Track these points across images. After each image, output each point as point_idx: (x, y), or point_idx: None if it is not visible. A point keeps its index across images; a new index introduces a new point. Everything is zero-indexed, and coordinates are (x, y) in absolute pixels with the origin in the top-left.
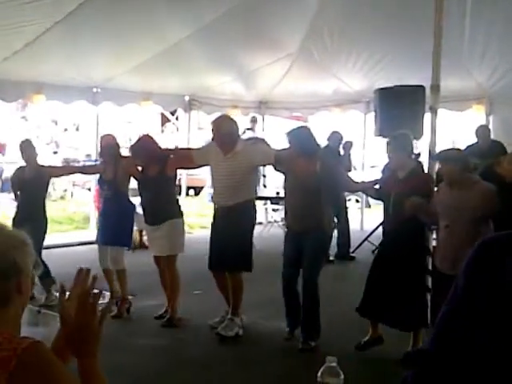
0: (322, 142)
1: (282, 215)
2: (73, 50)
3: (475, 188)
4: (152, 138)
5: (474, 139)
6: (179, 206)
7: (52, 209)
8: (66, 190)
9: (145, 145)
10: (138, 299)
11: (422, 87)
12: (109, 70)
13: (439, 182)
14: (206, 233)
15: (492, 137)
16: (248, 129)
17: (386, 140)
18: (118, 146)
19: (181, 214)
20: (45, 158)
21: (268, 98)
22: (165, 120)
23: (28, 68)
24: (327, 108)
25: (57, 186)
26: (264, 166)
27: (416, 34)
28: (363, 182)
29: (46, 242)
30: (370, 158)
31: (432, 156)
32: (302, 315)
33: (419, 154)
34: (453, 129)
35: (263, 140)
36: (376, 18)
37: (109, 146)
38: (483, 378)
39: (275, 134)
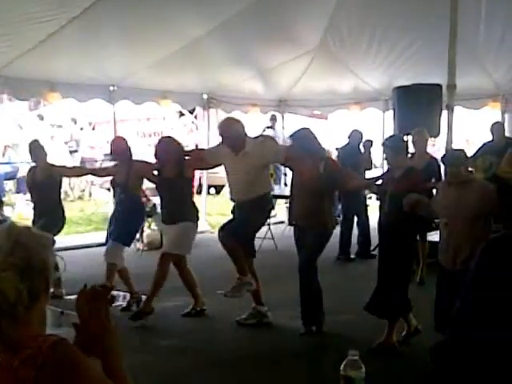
0: (343, 140)
1: None
2: (88, 47)
3: (473, 186)
4: (174, 139)
5: (488, 137)
6: (195, 209)
7: (70, 209)
8: (83, 190)
9: (167, 145)
10: (160, 299)
11: (439, 86)
12: (126, 67)
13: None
14: None
15: (507, 134)
16: (268, 127)
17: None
18: (129, 148)
19: (195, 217)
20: (62, 158)
21: (287, 96)
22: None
23: (42, 66)
24: (346, 106)
25: (75, 186)
26: (274, 163)
27: (433, 32)
28: (368, 179)
29: (64, 243)
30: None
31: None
32: (301, 303)
33: (414, 154)
34: (469, 127)
35: (271, 138)
36: (394, 15)
37: (120, 149)
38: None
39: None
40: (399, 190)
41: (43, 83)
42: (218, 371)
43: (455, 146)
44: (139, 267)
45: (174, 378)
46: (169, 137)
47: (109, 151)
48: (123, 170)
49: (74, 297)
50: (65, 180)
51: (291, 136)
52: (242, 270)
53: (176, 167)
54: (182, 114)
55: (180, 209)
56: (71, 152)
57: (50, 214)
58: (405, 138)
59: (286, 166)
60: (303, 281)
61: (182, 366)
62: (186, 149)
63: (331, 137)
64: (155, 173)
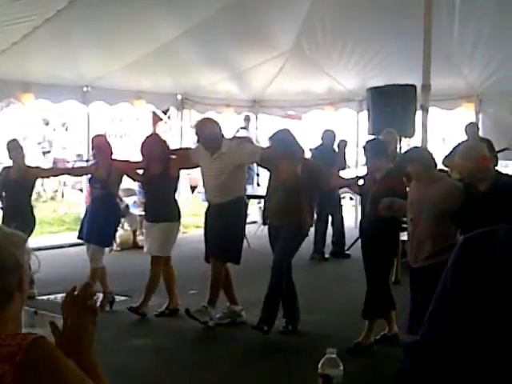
0: (316, 140)
1: None
2: (62, 48)
3: (439, 184)
4: (159, 137)
5: (464, 137)
6: (178, 208)
7: (42, 210)
8: (56, 191)
9: (152, 143)
10: (133, 300)
11: (413, 86)
12: (100, 68)
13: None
14: (201, 232)
15: (481, 134)
16: (242, 127)
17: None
18: (110, 146)
19: (177, 217)
20: (34, 158)
21: (261, 97)
22: (156, 119)
23: (16, 67)
24: (320, 106)
25: (47, 186)
26: (250, 163)
27: (407, 34)
28: (351, 178)
29: (37, 244)
30: (363, 156)
31: (399, 159)
32: (264, 299)
33: (394, 157)
34: (444, 127)
35: (248, 139)
36: (368, 17)
37: (101, 146)
38: (476, 365)
39: (269, 132)
40: (381, 191)
41: (17, 84)
42: (191, 371)
43: (430, 145)
44: (112, 267)
45: (147, 378)
46: (155, 134)
47: (87, 150)
48: (104, 166)
49: (46, 297)
50: (38, 181)
51: (271, 137)
52: (214, 298)
53: (161, 165)
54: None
55: (164, 207)
56: (44, 153)
57: (21, 214)
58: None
59: (262, 167)
60: (273, 280)
61: (156, 366)
62: (172, 147)
63: (305, 137)
64: (139, 171)
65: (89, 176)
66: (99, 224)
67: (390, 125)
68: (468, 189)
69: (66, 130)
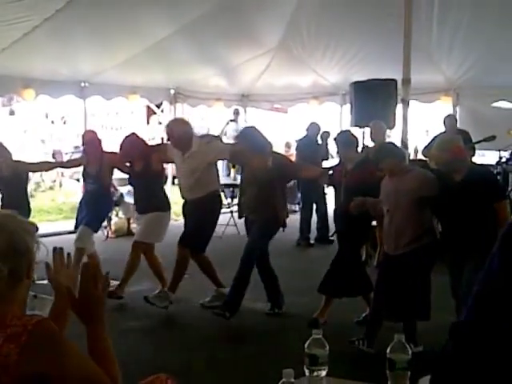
0: (301, 132)
1: None
2: (61, 46)
3: (410, 174)
4: (138, 136)
5: (442, 128)
6: (166, 199)
7: (41, 199)
8: (54, 181)
9: (131, 142)
10: (127, 285)
11: (394, 80)
12: (96, 65)
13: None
14: None
15: (458, 126)
16: (231, 120)
17: (333, 137)
18: (100, 141)
19: (167, 207)
20: (34, 151)
21: (250, 91)
22: (150, 112)
23: (17, 64)
24: (305, 100)
25: (46, 177)
26: (220, 160)
27: (388, 31)
28: (320, 169)
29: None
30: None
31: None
32: (232, 285)
33: (363, 148)
34: (424, 119)
35: (218, 137)
36: (351, 15)
37: (91, 142)
38: None
39: (257, 124)
40: (353, 181)
41: (18, 80)
42: (182, 352)
43: (411, 137)
44: (107, 253)
45: (138, 359)
46: (132, 134)
47: (80, 144)
48: (95, 161)
49: (45, 281)
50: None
51: (237, 136)
52: (176, 282)
53: (143, 161)
54: (153, 113)
55: (150, 199)
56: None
57: (18, 207)
58: (362, 130)
59: (234, 163)
60: (241, 268)
61: (147, 348)
62: (154, 142)
63: (291, 129)
64: (127, 164)
65: (82, 170)
66: (91, 210)
67: (371, 117)
68: (444, 178)
69: (65, 123)
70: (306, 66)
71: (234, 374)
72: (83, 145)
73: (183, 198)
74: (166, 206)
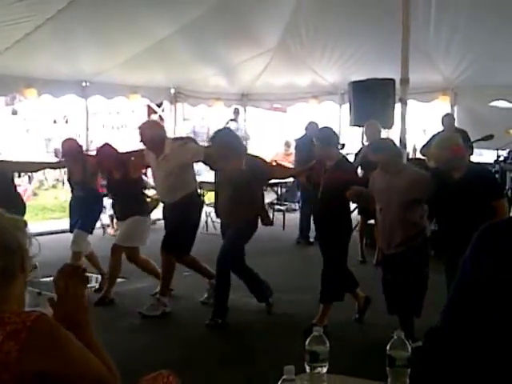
0: (300, 131)
1: (266, 200)
2: (63, 46)
3: (404, 173)
4: (110, 146)
5: (440, 127)
6: (145, 204)
7: (45, 197)
8: (57, 180)
9: (105, 155)
10: (130, 281)
11: (392, 80)
12: (98, 64)
13: (373, 169)
14: None
15: (456, 125)
16: (231, 120)
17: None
18: (80, 147)
19: (145, 211)
20: (37, 150)
21: (249, 91)
22: (151, 112)
23: (19, 63)
24: (305, 99)
25: (49, 175)
26: (195, 162)
27: (386, 30)
28: (297, 169)
29: (39, 229)
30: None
31: (368, 148)
32: (214, 291)
33: (343, 145)
34: (422, 118)
35: (192, 139)
36: (349, 15)
37: (71, 151)
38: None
39: (257, 123)
40: (332, 180)
41: (20, 80)
42: (182, 349)
43: (410, 136)
44: (104, 251)
45: (141, 355)
46: (105, 144)
47: (61, 155)
48: (78, 168)
49: (49, 279)
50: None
51: (210, 139)
52: (165, 287)
53: (120, 170)
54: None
55: (129, 206)
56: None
57: (7, 205)
58: (361, 129)
59: (207, 165)
60: (218, 277)
61: (146, 344)
62: (127, 151)
63: (291, 128)
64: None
65: (67, 177)
66: (83, 214)
67: (370, 117)
68: (443, 177)
69: (66, 122)
70: (305, 66)
71: (234, 370)
72: (63, 156)
73: (162, 201)
74: (145, 210)
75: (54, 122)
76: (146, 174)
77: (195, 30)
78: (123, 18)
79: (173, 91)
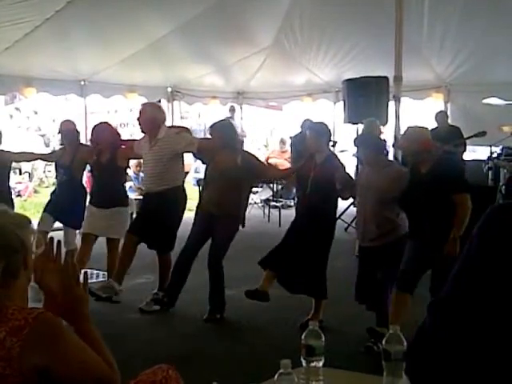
0: (296, 129)
1: (262, 197)
2: (62, 45)
3: (385, 170)
4: (110, 126)
5: (434, 124)
6: (126, 195)
7: (45, 194)
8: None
9: (101, 129)
10: (128, 277)
11: (385, 78)
12: (96, 64)
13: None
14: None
15: (450, 122)
16: (227, 117)
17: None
18: (77, 131)
19: (126, 203)
20: (36, 146)
21: (245, 89)
22: None
23: (19, 63)
24: (299, 97)
25: (49, 173)
26: (187, 152)
27: (380, 29)
28: (288, 169)
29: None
30: (339, 144)
31: (354, 141)
32: (209, 289)
33: (335, 143)
34: (415, 115)
35: (188, 129)
36: (343, 14)
37: (68, 132)
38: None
39: (253, 121)
40: (321, 174)
41: (20, 79)
42: (181, 344)
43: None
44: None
45: (140, 348)
46: (105, 122)
47: (57, 132)
48: (69, 152)
49: None
50: (40, 167)
51: (211, 126)
52: (164, 283)
53: (108, 153)
54: None
55: (111, 194)
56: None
57: (5, 200)
58: (356, 126)
59: (197, 158)
60: (211, 270)
61: (146, 339)
62: (124, 138)
63: (286, 126)
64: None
65: (55, 163)
66: (67, 208)
67: (364, 114)
68: (412, 170)
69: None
70: (300, 64)
71: (232, 364)
72: (59, 133)
73: (146, 189)
74: (125, 201)
75: (53, 121)
76: (128, 167)
77: (192, 30)
78: (121, 19)
79: (170, 90)
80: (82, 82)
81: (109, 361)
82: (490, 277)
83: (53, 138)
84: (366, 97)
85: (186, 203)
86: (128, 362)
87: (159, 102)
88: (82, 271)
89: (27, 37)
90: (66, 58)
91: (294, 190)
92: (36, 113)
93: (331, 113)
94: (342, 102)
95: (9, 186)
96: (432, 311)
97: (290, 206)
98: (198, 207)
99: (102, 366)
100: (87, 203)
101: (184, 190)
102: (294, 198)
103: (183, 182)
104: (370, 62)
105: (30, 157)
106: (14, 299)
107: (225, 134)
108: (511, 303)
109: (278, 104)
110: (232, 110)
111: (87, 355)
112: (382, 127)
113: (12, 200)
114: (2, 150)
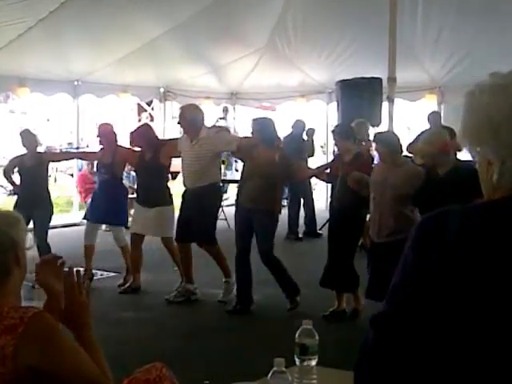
0: (287, 129)
1: None
2: (55, 46)
3: (401, 168)
4: (149, 127)
5: (427, 125)
6: (170, 194)
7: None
8: (50, 176)
9: (142, 132)
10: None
11: (379, 79)
12: (89, 64)
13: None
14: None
15: (443, 123)
16: (220, 118)
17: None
18: (115, 133)
19: (171, 202)
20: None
21: (238, 90)
22: (141, 110)
23: (12, 63)
24: (293, 98)
25: (50, 172)
26: (227, 151)
27: (374, 30)
28: (317, 167)
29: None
30: (332, 144)
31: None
32: (277, 282)
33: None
34: (408, 117)
35: (226, 129)
36: (336, 16)
37: (106, 134)
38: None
39: (246, 122)
40: (350, 173)
41: (13, 79)
42: (175, 341)
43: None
44: (105, 245)
45: (135, 349)
46: (146, 124)
47: (96, 135)
48: (109, 153)
49: None
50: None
51: (254, 120)
52: (228, 272)
53: (151, 153)
54: (143, 110)
55: (156, 193)
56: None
57: (41, 201)
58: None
59: (236, 156)
60: (267, 264)
61: (142, 337)
62: (165, 137)
63: (280, 127)
64: (138, 152)
65: (96, 162)
66: (110, 206)
67: (358, 115)
68: (429, 173)
69: (58, 120)
70: (293, 65)
71: (225, 362)
72: (98, 136)
73: (185, 186)
74: (170, 200)
75: (48, 120)
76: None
77: (185, 31)
78: (114, 19)
79: (162, 90)
80: (75, 82)
81: (104, 369)
82: (426, 291)
83: (44, 138)
84: (360, 98)
85: (221, 200)
86: (119, 360)
87: (151, 102)
88: (86, 275)
89: (21, 37)
90: (60, 58)
91: (286, 190)
92: (25, 113)
93: (324, 114)
94: (335, 103)
95: (47, 188)
96: (373, 327)
97: (283, 206)
98: (236, 203)
99: (95, 371)
100: (134, 202)
101: (220, 188)
102: (286, 198)
103: (219, 179)
104: (363, 63)
105: (68, 156)
106: (8, 296)
107: (265, 130)
108: (450, 321)
109: (271, 105)
110: (225, 110)
111: (81, 359)
112: (372, 129)
113: (51, 202)
114: (39, 152)
